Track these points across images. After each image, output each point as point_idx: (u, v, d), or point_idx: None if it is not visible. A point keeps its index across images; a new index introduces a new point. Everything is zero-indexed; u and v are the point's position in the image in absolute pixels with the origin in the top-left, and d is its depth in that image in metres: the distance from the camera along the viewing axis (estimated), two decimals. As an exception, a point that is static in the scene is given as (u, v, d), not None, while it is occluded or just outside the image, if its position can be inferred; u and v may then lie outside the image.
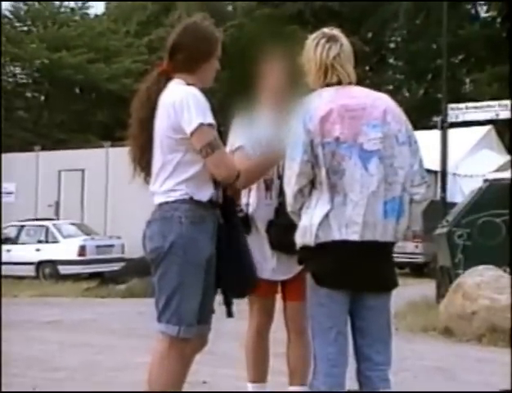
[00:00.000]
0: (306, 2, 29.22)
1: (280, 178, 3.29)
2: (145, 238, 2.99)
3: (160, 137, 2.95)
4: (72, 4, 30.39)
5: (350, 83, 2.94)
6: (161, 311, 2.94)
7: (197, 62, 3.01)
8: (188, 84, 2.98)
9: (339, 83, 2.91)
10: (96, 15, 33.32)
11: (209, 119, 2.88)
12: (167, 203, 2.93)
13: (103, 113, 28.00)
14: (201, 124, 2.85)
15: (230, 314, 3.07)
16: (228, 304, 3.08)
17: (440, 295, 8.67)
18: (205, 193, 2.97)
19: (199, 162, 2.93)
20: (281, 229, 3.24)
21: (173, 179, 2.94)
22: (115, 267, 14.49)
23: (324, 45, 2.93)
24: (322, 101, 2.85)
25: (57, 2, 29.81)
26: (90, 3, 30.93)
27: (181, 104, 2.88)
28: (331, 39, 2.94)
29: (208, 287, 2.98)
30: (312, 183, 2.85)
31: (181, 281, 2.89)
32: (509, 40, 24.44)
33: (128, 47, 29.86)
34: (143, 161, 3.04)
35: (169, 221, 2.91)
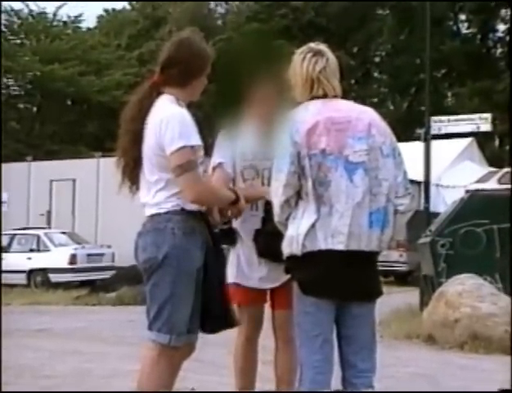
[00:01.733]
0: (294, 18, 29.37)
1: None
2: (138, 249, 2.98)
3: (149, 154, 2.95)
4: (64, 18, 30.39)
5: (336, 97, 2.95)
6: (152, 320, 2.93)
7: (189, 78, 3.01)
8: (177, 100, 2.98)
9: (325, 96, 2.93)
10: (88, 29, 33.33)
11: (194, 141, 2.87)
12: (159, 214, 2.92)
13: (94, 124, 27.97)
14: (182, 147, 2.85)
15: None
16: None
17: (423, 303, 8.69)
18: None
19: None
20: (268, 237, 3.24)
21: (165, 192, 2.94)
22: (106, 275, 14.43)
23: (310, 59, 2.94)
24: (309, 113, 2.86)
25: (50, 16, 29.79)
26: (82, 17, 30.87)
27: (167, 124, 2.88)
28: (317, 54, 2.96)
29: (197, 297, 2.97)
30: (299, 194, 2.86)
31: (174, 291, 2.89)
32: (509, 50, 24.58)
33: (119, 59, 29.89)
34: (133, 174, 3.04)
35: (162, 232, 2.91)
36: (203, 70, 3.04)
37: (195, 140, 2.88)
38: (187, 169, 2.84)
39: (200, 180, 2.90)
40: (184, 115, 2.91)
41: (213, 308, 3.01)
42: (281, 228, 2.92)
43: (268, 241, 3.25)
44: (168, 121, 2.88)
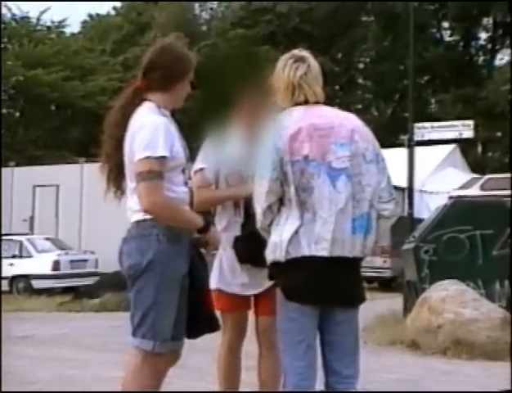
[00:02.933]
0: (279, 24, 29.46)
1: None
2: (123, 255, 2.97)
3: (127, 161, 2.96)
4: (48, 23, 30.27)
5: (318, 103, 2.97)
6: (136, 326, 2.93)
7: (172, 81, 3.02)
8: (159, 108, 2.99)
9: (307, 101, 2.94)
10: (73, 34, 33.21)
11: (161, 152, 2.84)
12: (144, 220, 2.92)
13: (78, 130, 27.84)
14: (147, 157, 2.84)
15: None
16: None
17: (407, 309, 8.72)
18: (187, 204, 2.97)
19: (174, 182, 2.93)
20: (248, 242, 3.25)
21: None
22: (89, 281, 14.35)
23: (291, 65, 2.97)
24: (292, 120, 2.88)
25: (34, 20, 29.66)
26: (66, 22, 30.76)
27: (138, 134, 2.88)
28: (299, 60, 2.98)
29: (182, 304, 2.97)
30: (281, 200, 2.86)
31: (158, 297, 2.89)
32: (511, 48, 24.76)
33: (103, 65, 29.82)
34: (118, 180, 3.03)
35: (147, 238, 2.91)
36: (185, 74, 3.05)
37: (164, 151, 2.85)
38: (146, 177, 2.83)
39: (159, 191, 2.85)
40: (159, 125, 2.90)
41: (197, 313, 3.01)
42: (264, 235, 2.93)
43: (248, 246, 3.25)
44: (140, 130, 2.89)
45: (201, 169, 3.43)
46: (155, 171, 2.84)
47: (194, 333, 3.07)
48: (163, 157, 2.86)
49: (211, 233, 3.08)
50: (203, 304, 3.04)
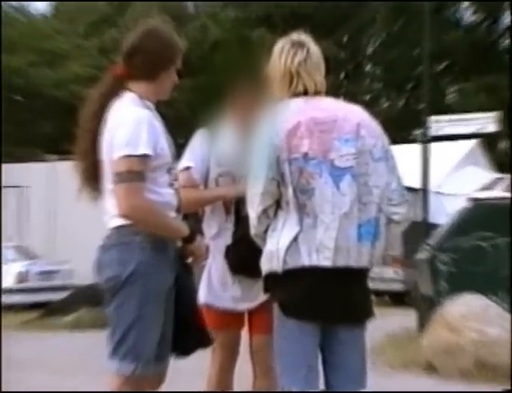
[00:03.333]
0: (275, 4, 29.44)
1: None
2: (100, 265, 2.99)
3: (105, 159, 2.97)
4: (14, 2, 30.21)
5: (319, 94, 2.99)
6: (115, 346, 2.94)
7: (157, 69, 3.04)
8: (142, 99, 3.00)
9: (306, 92, 2.97)
10: (42, 15, 33.18)
11: (143, 150, 2.86)
12: (125, 226, 2.93)
13: (48, 123, 27.79)
14: (126, 156, 2.85)
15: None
16: None
17: (422, 326, 8.74)
18: (173, 209, 2.99)
19: (158, 183, 2.95)
20: (241, 250, 3.27)
21: None
22: (61, 296, 14.33)
23: (289, 51, 2.99)
24: (289, 113, 2.90)
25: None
26: (34, 1, 30.72)
27: (118, 129, 2.90)
28: (297, 45, 3.00)
29: (167, 320, 2.99)
30: (278, 204, 2.88)
31: (141, 313, 2.90)
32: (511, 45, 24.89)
33: (76, 49, 29.74)
34: (95, 179, 3.04)
35: (129, 246, 2.92)
36: (172, 62, 3.06)
37: (146, 149, 2.87)
38: (125, 179, 2.85)
39: (139, 195, 2.86)
40: (141, 119, 2.92)
41: (186, 328, 3.03)
42: (259, 242, 2.95)
43: (241, 253, 3.27)
44: (120, 126, 2.90)
45: (187, 168, 3.46)
46: (136, 171, 2.85)
47: (185, 350, 3.09)
48: (146, 156, 2.88)
49: (197, 243, 3.10)
50: (192, 318, 3.06)
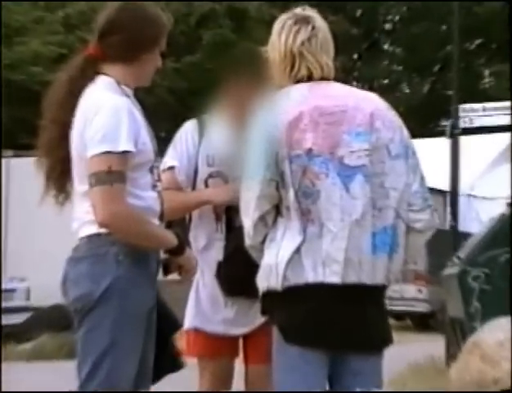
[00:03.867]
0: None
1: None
2: (68, 282, 3.00)
3: (75, 155, 2.98)
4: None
5: (326, 79, 3.01)
6: (86, 378, 2.94)
7: (137, 49, 3.05)
8: (119, 84, 3.02)
9: (310, 77, 2.99)
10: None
11: (123, 146, 2.87)
12: (99, 235, 2.94)
13: (3, 112, 27.77)
14: (105, 153, 2.86)
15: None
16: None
17: (451, 356, 8.77)
18: (156, 215, 3.01)
19: (140, 185, 2.97)
20: (234, 268, 3.29)
21: None
22: (18, 319, 14.33)
23: (290, 28, 3.01)
24: (290, 102, 2.92)
25: None
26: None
27: (92, 120, 2.90)
28: (301, 21, 3.02)
29: (148, 345, 3.01)
30: (278, 209, 2.90)
31: (116, 338, 2.91)
32: (510, 37, 25.00)
33: (36, 23, 29.72)
34: (61, 179, 3.06)
35: (103, 259, 2.93)
36: (155, 42, 3.08)
37: (127, 144, 2.88)
38: (104, 180, 2.85)
39: (120, 199, 2.87)
40: (120, 108, 2.93)
41: (159, 351, 3.06)
42: (255, 255, 2.97)
43: (234, 273, 3.29)
44: (94, 116, 2.91)
45: (171, 168, 3.48)
46: (116, 171, 2.86)
47: (154, 375, 3.12)
48: (127, 152, 2.89)
49: (186, 255, 3.11)
50: (167, 340, 3.09)
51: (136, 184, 2.97)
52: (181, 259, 3.10)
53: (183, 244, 3.10)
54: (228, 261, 3.39)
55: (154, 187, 3.04)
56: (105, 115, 2.91)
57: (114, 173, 2.86)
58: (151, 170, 3.03)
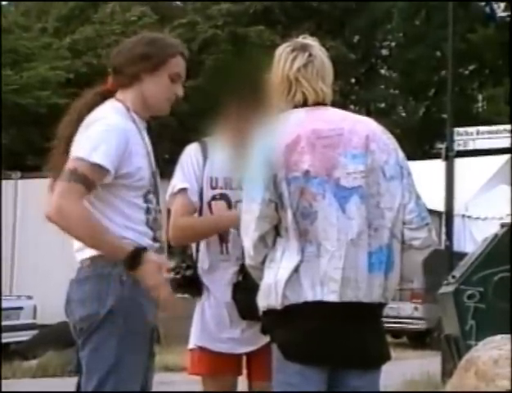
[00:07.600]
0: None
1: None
2: (72, 302, 3.00)
3: None
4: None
5: (322, 104, 3.03)
6: (92, 395, 2.94)
7: (139, 69, 3.05)
8: (128, 110, 3.03)
9: (306, 102, 3.01)
10: (2, 8, 33.28)
11: (97, 158, 2.86)
12: (102, 256, 2.93)
13: (10, 134, 27.80)
14: (79, 159, 2.88)
15: None
16: None
17: (446, 372, 8.74)
18: (148, 237, 3.01)
19: (138, 201, 2.97)
20: (252, 292, 3.21)
21: (110, 224, 2.94)
22: (24, 337, 14.30)
23: (288, 55, 3.05)
24: (288, 125, 2.94)
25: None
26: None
27: (88, 130, 2.93)
28: (299, 49, 3.06)
29: (150, 364, 3.01)
30: (277, 230, 2.91)
31: (120, 358, 2.91)
32: (509, 46, 25.07)
33: (44, 49, 29.82)
34: None
35: (106, 279, 2.93)
36: (159, 62, 3.06)
37: (100, 159, 2.87)
38: (65, 177, 2.86)
39: (71, 197, 2.83)
40: (113, 128, 2.93)
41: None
42: (255, 275, 2.98)
43: (252, 298, 3.22)
44: (88, 126, 2.93)
45: (183, 190, 3.45)
46: (81, 174, 2.85)
47: None
48: (100, 167, 2.88)
49: (147, 268, 2.91)
50: None
51: (129, 217, 2.96)
52: (139, 272, 2.90)
53: (140, 255, 2.91)
54: (245, 285, 3.30)
55: (147, 212, 3.01)
56: (95, 129, 2.93)
57: (77, 173, 2.87)
58: (146, 196, 3.01)
